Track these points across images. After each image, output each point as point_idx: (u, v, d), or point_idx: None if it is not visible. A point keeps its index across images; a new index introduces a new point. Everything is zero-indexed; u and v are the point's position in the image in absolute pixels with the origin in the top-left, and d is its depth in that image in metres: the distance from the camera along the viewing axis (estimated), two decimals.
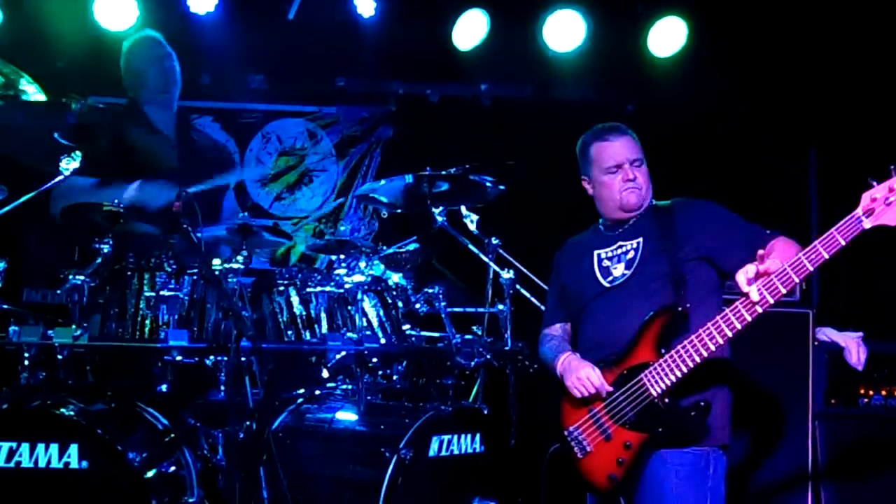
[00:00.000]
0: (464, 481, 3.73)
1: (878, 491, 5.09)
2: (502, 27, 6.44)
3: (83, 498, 3.19)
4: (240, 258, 3.63)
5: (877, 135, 5.87)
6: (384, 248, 4.22)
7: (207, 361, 3.61)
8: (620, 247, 3.75)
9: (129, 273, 3.67)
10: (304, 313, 3.86)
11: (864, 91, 6.07)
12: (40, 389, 3.46)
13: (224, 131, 6.93)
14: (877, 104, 6.01)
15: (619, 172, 3.75)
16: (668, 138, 6.06)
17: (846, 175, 6.11)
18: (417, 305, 4.22)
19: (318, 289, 3.85)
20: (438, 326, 4.15)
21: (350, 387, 3.92)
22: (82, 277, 3.52)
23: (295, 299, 3.88)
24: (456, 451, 3.67)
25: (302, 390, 3.93)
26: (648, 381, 3.47)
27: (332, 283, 3.87)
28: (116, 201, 3.71)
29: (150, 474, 3.29)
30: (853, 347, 5.38)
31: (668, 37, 6.43)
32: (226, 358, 3.50)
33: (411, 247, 4.24)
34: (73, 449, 3.17)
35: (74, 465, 3.17)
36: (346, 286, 3.85)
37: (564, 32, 6.40)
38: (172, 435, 3.50)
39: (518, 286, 4.33)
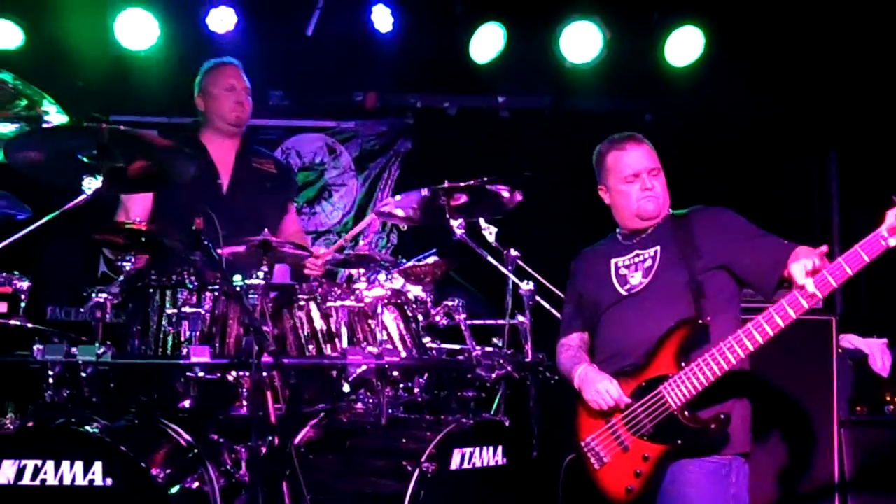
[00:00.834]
0: (486, 494, 3.72)
1: None
2: (519, 39, 6.47)
3: None
4: (260, 274, 3.65)
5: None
6: (403, 261, 4.23)
7: (229, 377, 3.62)
8: (638, 255, 3.74)
9: (151, 290, 3.70)
10: (324, 328, 3.87)
11: (881, 93, 6.05)
12: (64, 407, 3.48)
13: None
14: (895, 106, 5.98)
15: (636, 181, 3.75)
16: (686, 146, 6.07)
17: (867, 178, 6.12)
18: (437, 318, 4.22)
19: (339, 303, 3.85)
20: (459, 339, 4.15)
21: (371, 400, 3.92)
22: (105, 295, 3.55)
23: (315, 314, 3.88)
24: (478, 464, 3.67)
25: (323, 405, 3.94)
26: (668, 393, 3.46)
27: (352, 298, 3.87)
28: (139, 219, 3.75)
29: (173, 490, 3.30)
30: (877, 354, 5.35)
31: (684, 46, 6.44)
32: (248, 373, 3.52)
33: (430, 259, 4.24)
34: (98, 466, 3.18)
35: (99, 482, 3.18)
36: (366, 300, 3.86)
37: (581, 44, 6.42)
38: (195, 451, 3.51)
39: (538, 297, 4.32)
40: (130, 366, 3.63)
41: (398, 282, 4.08)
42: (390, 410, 3.80)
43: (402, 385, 3.97)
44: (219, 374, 3.59)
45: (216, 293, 3.67)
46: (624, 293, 3.72)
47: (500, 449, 3.75)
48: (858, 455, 5.18)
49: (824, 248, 3.31)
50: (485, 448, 3.70)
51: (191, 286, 3.66)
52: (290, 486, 3.52)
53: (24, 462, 3.16)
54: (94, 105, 6.18)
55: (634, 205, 3.76)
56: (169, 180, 3.92)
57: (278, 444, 3.32)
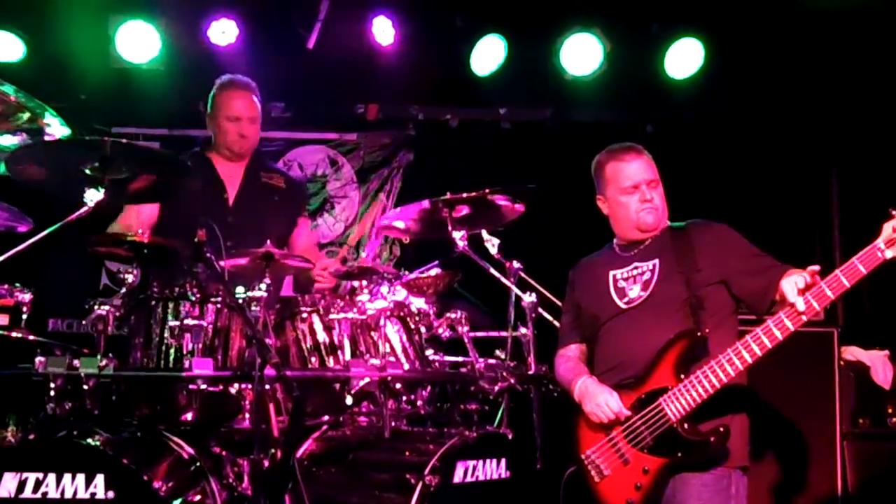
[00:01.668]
0: None
1: None
2: (520, 52, 6.49)
3: None
4: (262, 286, 3.64)
5: None
6: (406, 273, 4.22)
7: (232, 389, 3.61)
8: (636, 268, 3.75)
9: (153, 302, 3.69)
10: (327, 340, 3.86)
11: (882, 109, 6.06)
12: (66, 420, 3.48)
13: None
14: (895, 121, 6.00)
15: (635, 193, 3.76)
16: (686, 159, 6.07)
17: (868, 193, 6.13)
18: (440, 330, 4.21)
19: (341, 315, 3.85)
20: (462, 351, 4.14)
21: (374, 413, 3.91)
22: (107, 307, 3.54)
23: (318, 326, 3.88)
24: (481, 477, 3.65)
25: (326, 417, 3.93)
26: (667, 405, 3.46)
27: (355, 310, 3.87)
28: (141, 231, 3.75)
29: (176, 503, 3.29)
30: (879, 366, 5.34)
31: (685, 58, 6.46)
32: (250, 386, 3.51)
33: (433, 272, 4.24)
34: (100, 479, 3.17)
35: (101, 494, 3.17)
36: (369, 312, 3.85)
37: (581, 56, 6.44)
38: (198, 463, 3.50)
39: (540, 309, 4.32)
40: (132, 378, 3.62)
41: (401, 294, 4.07)
42: (393, 423, 3.79)
43: (404, 397, 3.95)
44: (221, 387, 3.58)
45: (219, 305, 3.66)
46: (623, 306, 3.72)
47: (503, 462, 3.74)
48: (861, 468, 5.17)
49: (817, 267, 3.33)
50: (488, 461, 3.69)
51: (193, 298, 3.65)
52: (292, 499, 3.52)
53: (25, 475, 3.15)
54: (95, 117, 6.20)
55: (633, 216, 3.77)
56: (170, 193, 3.92)
57: (281, 457, 3.31)
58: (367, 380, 3.64)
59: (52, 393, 3.42)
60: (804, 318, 3.30)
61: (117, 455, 3.24)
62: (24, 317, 3.57)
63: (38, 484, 3.16)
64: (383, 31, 6.38)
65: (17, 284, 3.60)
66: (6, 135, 3.72)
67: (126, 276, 3.66)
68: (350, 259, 6.90)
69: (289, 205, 4.97)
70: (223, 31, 6.30)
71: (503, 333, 4.25)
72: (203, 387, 3.49)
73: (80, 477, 3.17)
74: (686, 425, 3.45)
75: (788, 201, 6.70)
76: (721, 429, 3.42)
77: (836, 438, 5.19)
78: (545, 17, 6.41)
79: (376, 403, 3.80)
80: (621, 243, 3.87)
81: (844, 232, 6.57)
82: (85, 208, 3.52)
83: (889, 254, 3.19)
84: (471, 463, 3.62)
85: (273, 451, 3.33)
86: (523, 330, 4.19)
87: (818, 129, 6.51)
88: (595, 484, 3.59)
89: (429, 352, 4.15)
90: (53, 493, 3.16)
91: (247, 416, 3.63)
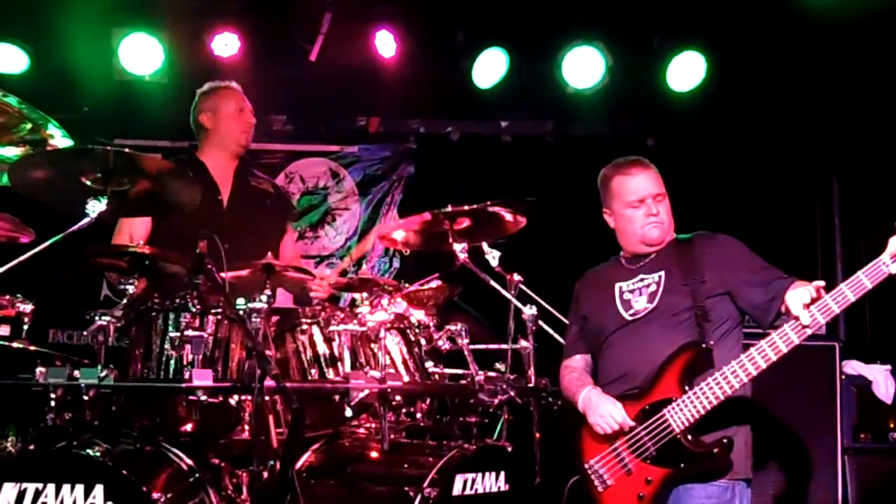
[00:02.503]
0: None
1: None
2: (521, 65, 6.50)
3: None
4: (263, 297, 3.64)
5: None
6: (406, 285, 4.22)
7: (232, 401, 3.61)
8: (642, 280, 3.75)
9: (154, 313, 3.70)
10: (327, 352, 3.86)
11: (883, 120, 6.07)
12: (66, 430, 3.47)
13: None
14: None
15: (641, 207, 3.76)
16: (689, 171, 6.07)
17: (869, 204, 6.13)
18: (440, 343, 4.21)
19: (341, 327, 3.85)
20: (461, 364, 4.14)
21: (373, 425, 3.91)
22: (108, 318, 3.54)
23: (318, 338, 3.88)
24: (480, 490, 3.64)
25: (326, 429, 3.92)
26: (671, 416, 3.46)
27: (355, 322, 3.87)
28: (141, 241, 3.75)
29: None
30: (881, 380, 5.34)
31: (687, 71, 6.47)
32: (250, 397, 3.51)
33: (433, 284, 4.24)
34: (99, 490, 3.17)
35: None
36: (369, 324, 3.85)
37: (583, 69, 6.46)
38: (197, 475, 3.49)
39: (541, 322, 4.32)
40: (132, 389, 3.62)
41: (401, 306, 4.07)
42: (392, 435, 3.78)
43: (404, 410, 3.95)
44: (221, 398, 3.58)
45: (219, 317, 3.67)
46: (628, 318, 3.72)
47: (502, 475, 3.73)
48: (862, 482, 5.16)
49: (822, 283, 3.33)
50: (487, 474, 3.68)
51: (193, 309, 3.65)
52: None
53: (24, 485, 3.15)
54: (98, 129, 6.21)
55: (639, 231, 3.77)
56: (173, 204, 3.93)
57: (280, 468, 3.31)
58: (366, 392, 3.64)
59: (52, 403, 3.42)
60: (809, 331, 3.30)
61: (116, 466, 3.24)
62: (26, 327, 3.58)
63: (37, 494, 3.16)
64: (385, 44, 6.40)
65: (19, 295, 3.61)
66: (9, 146, 3.73)
67: (127, 287, 3.67)
68: (350, 271, 6.89)
69: (279, 210, 5.07)
70: (226, 44, 6.33)
71: (503, 346, 4.25)
72: (203, 398, 3.49)
73: (79, 488, 3.17)
74: (690, 437, 3.45)
75: (790, 213, 6.70)
76: (725, 440, 3.42)
77: (837, 452, 5.18)
78: (547, 30, 6.43)
79: (376, 416, 3.80)
80: (627, 256, 3.88)
81: (846, 243, 6.57)
82: (87, 219, 3.53)
83: (895, 268, 3.19)
84: (470, 476, 3.61)
85: (272, 462, 3.33)
86: (523, 343, 4.18)
87: (819, 141, 6.52)
88: (598, 494, 3.59)
89: (429, 364, 4.15)
90: None
91: (246, 427, 3.63)
